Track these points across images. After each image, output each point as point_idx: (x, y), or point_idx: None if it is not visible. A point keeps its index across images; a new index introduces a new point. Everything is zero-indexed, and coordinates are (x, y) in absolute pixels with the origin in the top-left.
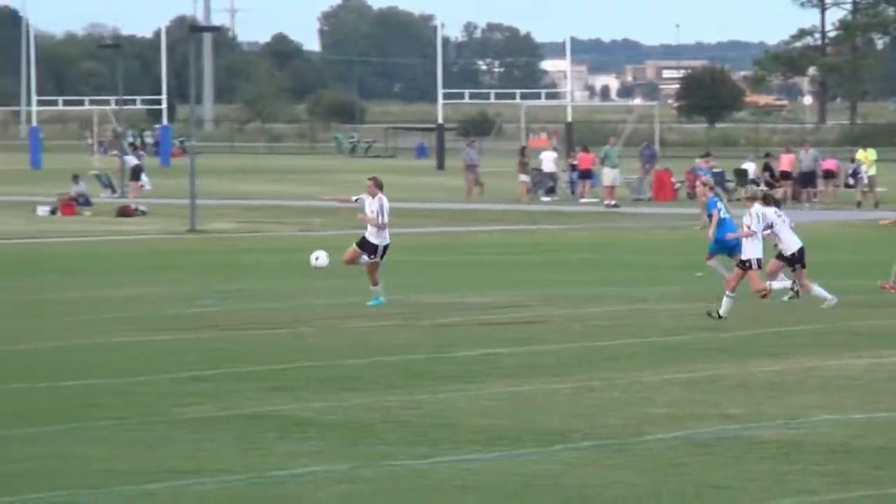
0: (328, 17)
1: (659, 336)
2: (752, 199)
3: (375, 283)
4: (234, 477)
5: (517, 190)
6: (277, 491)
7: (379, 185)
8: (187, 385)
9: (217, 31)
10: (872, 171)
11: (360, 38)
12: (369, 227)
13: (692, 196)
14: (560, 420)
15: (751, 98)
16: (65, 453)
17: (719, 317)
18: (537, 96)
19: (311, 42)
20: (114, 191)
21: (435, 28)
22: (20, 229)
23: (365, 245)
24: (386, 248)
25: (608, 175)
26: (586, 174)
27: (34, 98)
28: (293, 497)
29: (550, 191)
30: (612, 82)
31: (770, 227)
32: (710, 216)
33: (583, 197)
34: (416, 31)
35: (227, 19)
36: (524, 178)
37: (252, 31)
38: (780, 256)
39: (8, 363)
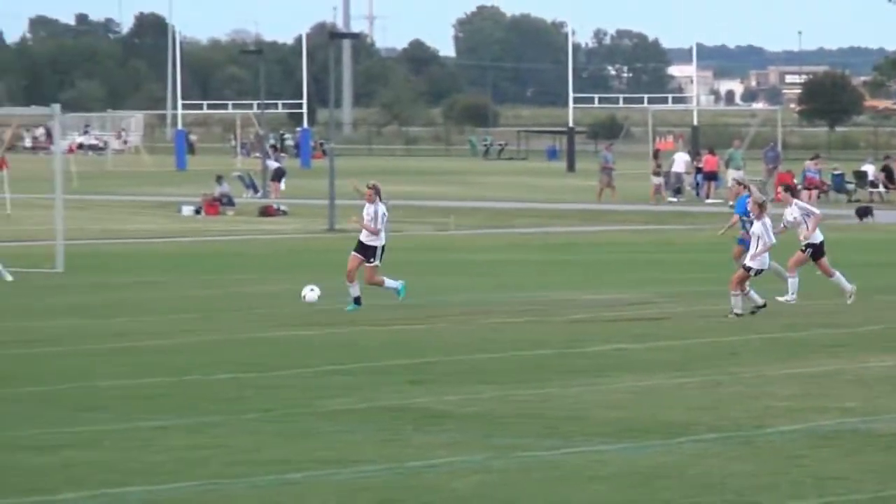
0: (463, 24)
1: (780, 332)
2: (762, 207)
3: (381, 283)
4: (373, 467)
5: (648, 191)
6: (415, 481)
7: (377, 193)
8: (329, 378)
9: (356, 37)
10: None
11: (493, 43)
12: (365, 231)
13: (820, 195)
14: (685, 413)
15: (870, 102)
16: (214, 444)
17: (737, 315)
18: (664, 101)
19: (446, 48)
20: (256, 191)
21: (566, 34)
22: (166, 228)
23: (364, 249)
24: (383, 248)
25: (731, 175)
26: (711, 176)
27: (180, 102)
28: (430, 487)
29: (677, 192)
30: (737, 87)
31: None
32: (744, 215)
33: (708, 198)
34: (548, 37)
35: (366, 26)
36: (656, 180)
37: (390, 37)
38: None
39: (161, 357)
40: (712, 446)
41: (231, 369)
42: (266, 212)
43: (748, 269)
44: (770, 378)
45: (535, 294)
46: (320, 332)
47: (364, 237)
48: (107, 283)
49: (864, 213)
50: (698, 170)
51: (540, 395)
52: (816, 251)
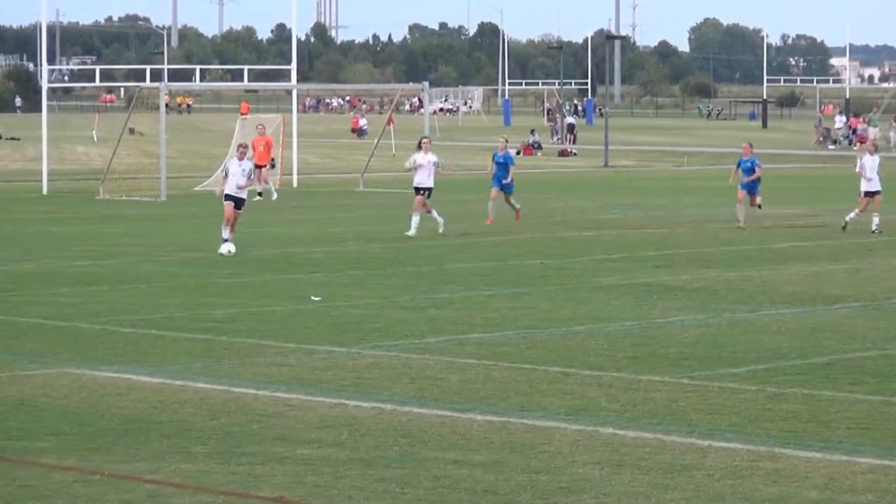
0: (694, 29)
1: None
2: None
3: (232, 230)
4: (631, 322)
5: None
6: (658, 332)
7: (245, 151)
8: (602, 264)
9: (623, 38)
10: None
11: (714, 42)
12: (234, 185)
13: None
14: (838, 288)
15: None
16: (526, 306)
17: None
18: (826, 81)
19: (683, 45)
20: (559, 139)
21: (762, 37)
22: None
23: (234, 200)
24: (244, 201)
25: (871, 131)
26: (856, 131)
27: (506, 80)
28: (669, 336)
29: (834, 142)
30: (875, 72)
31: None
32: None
33: (854, 146)
34: (751, 38)
35: (630, 31)
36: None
37: (646, 38)
38: (417, 190)
39: (491, 248)
40: (856, 311)
41: (538, 257)
42: (563, 153)
43: (423, 192)
44: (895, 266)
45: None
46: (596, 233)
47: (232, 190)
48: (457, 199)
49: None
50: (849, 127)
51: (742, 276)
52: (422, 191)
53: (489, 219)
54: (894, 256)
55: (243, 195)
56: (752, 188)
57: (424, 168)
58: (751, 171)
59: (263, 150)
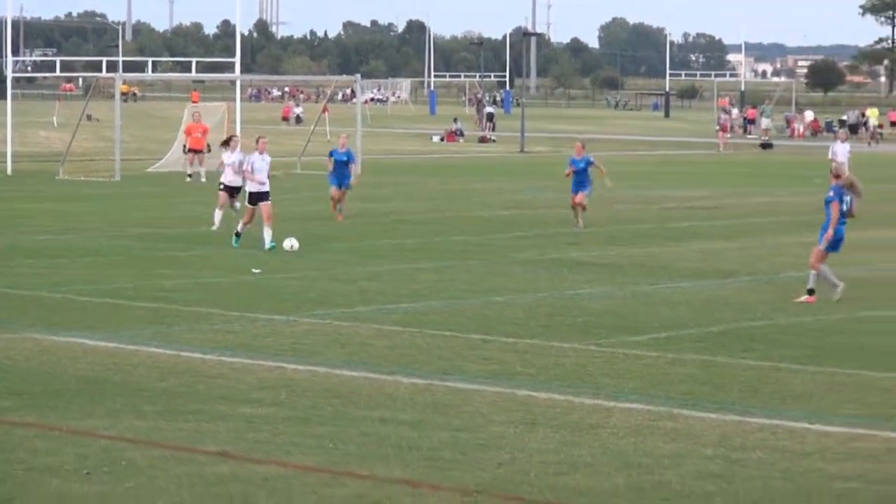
0: (603, 28)
1: (792, 217)
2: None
3: (249, 222)
4: (544, 293)
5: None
6: (568, 302)
7: (266, 144)
8: (518, 241)
9: (539, 35)
10: (875, 121)
11: (621, 40)
12: (258, 181)
13: (814, 134)
14: (730, 264)
15: (850, 77)
16: (449, 278)
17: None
18: (724, 76)
19: (593, 42)
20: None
21: (665, 35)
22: (421, 149)
23: (256, 195)
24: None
25: (764, 122)
26: (751, 121)
27: (432, 73)
28: (578, 306)
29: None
30: (768, 67)
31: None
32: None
33: (749, 134)
34: (655, 36)
35: (545, 29)
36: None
37: (559, 35)
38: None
39: (416, 226)
40: (747, 285)
41: (459, 234)
42: (483, 140)
43: (232, 190)
44: (784, 244)
45: (644, 192)
46: (513, 213)
47: (251, 186)
48: (386, 182)
49: (766, 146)
50: (744, 118)
51: (645, 252)
52: (234, 192)
53: (339, 216)
54: (782, 235)
55: (266, 188)
56: (580, 187)
57: (230, 167)
58: (584, 171)
59: (201, 135)
